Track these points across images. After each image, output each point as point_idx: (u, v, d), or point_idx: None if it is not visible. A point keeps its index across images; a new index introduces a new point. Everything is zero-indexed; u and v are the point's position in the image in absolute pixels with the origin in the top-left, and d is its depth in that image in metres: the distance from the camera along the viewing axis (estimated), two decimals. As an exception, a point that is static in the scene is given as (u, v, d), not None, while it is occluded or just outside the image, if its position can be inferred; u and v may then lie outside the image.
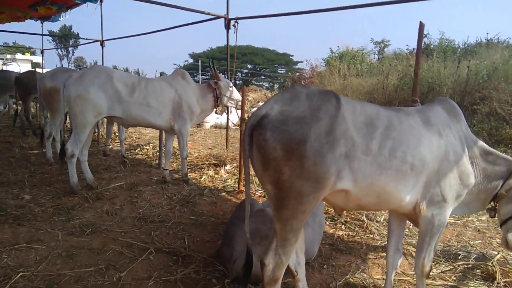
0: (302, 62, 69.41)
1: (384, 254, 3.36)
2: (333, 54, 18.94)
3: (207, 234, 3.68)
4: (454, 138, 2.24)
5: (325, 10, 6.06)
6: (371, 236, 3.75)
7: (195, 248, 3.33)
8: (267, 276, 2.02)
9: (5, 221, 3.74)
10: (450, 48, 15.63)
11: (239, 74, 63.05)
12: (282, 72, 69.46)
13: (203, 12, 6.79)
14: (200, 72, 60.66)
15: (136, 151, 7.46)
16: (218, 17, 6.91)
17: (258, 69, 65.59)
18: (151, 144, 7.75)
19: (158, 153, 7.13)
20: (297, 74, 20.28)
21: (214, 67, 5.45)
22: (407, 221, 2.59)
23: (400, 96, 10.54)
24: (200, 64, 61.37)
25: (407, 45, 16.15)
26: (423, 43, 17.27)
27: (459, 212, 2.47)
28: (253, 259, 2.07)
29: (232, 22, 6.83)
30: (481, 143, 2.42)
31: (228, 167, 6.04)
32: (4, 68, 21.09)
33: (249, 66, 66.58)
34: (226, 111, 6.55)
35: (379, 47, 21.62)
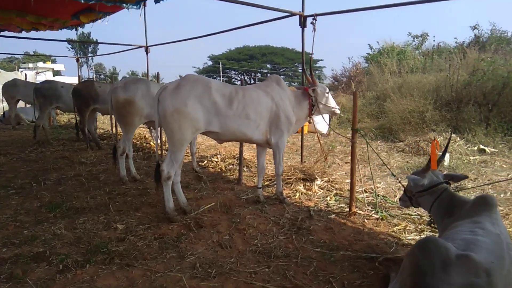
0: (322, 60, 68.73)
1: None
2: (373, 51, 18.14)
3: (352, 275, 3.05)
4: None
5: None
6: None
7: (354, 296, 2.72)
8: None
9: (111, 262, 3.21)
10: (504, 40, 14.66)
11: (259, 74, 62.73)
12: (301, 70, 68.73)
13: (278, 10, 6.19)
14: (221, 74, 60.61)
15: (204, 163, 6.92)
16: (292, 14, 6.29)
17: (278, 68, 65.23)
18: (219, 156, 7.19)
19: (232, 166, 6.60)
20: (336, 71, 19.38)
21: (311, 71, 4.83)
22: None
23: (471, 93, 9.72)
24: (221, 66, 61.35)
25: (455, 38, 15.18)
26: (472, 36, 16.15)
27: None
28: None
29: (309, 19, 6.20)
30: None
31: (319, 182, 5.42)
32: (37, 78, 21.01)
33: (268, 66, 66.26)
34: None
35: (418, 41, 20.59)
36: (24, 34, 11.87)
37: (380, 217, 4.26)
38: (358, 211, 4.38)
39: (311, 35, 6.28)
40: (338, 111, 5.06)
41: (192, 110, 3.91)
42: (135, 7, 9.26)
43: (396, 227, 4.03)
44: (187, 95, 3.90)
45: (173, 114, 3.87)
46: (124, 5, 8.53)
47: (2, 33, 11.12)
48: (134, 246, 3.49)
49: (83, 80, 9.25)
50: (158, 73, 7.18)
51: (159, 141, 7.19)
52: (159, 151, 7.64)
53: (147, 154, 7.73)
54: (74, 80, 21.60)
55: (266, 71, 64.43)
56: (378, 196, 4.85)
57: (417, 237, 3.80)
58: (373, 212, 4.42)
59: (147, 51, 11.24)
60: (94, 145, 8.34)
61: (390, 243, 3.67)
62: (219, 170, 6.48)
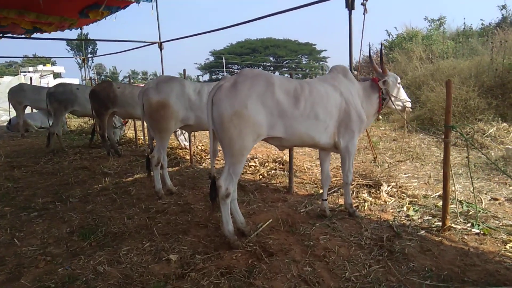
0: (325, 50, 67.60)
1: None
2: (392, 37, 17.29)
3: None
4: None
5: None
6: None
7: None
8: None
9: (176, 311, 2.51)
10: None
11: (261, 68, 61.90)
12: (305, 62, 67.88)
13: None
14: (224, 69, 59.76)
15: (241, 168, 6.18)
16: (340, -4, 5.52)
17: (281, 61, 64.36)
18: (256, 160, 6.47)
19: (274, 172, 5.89)
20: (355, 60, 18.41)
21: (381, 58, 4.10)
22: None
23: (516, 77, 8.94)
24: (224, 61, 60.52)
25: (481, 19, 14.30)
26: (499, 17, 15.23)
27: None
28: None
29: (359, 0, 5.43)
30: None
31: (386, 187, 4.69)
32: (41, 81, 20.28)
33: (271, 59, 65.42)
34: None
35: (435, 25, 19.67)
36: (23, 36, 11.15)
37: (481, 232, 3.53)
38: (453, 225, 3.65)
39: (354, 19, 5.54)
40: (410, 104, 4.33)
41: (254, 112, 3.19)
42: (148, 0, 8.49)
43: (508, 244, 3.31)
44: (247, 95, 3.18)
45: (231, 119, 3.14)
46: (136, -3, 7.80)
47: (5, 35, 10.43)
48: (199, 287, 2.79)
49: (100, 81, 8.55)
50: (184, 70, 6.45)
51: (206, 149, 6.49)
52: (192, 158, 6.94)
53: (174, 161, 7.02)
54: (75, 82, 20.86)
55: (269, 64, 63.65)
56: (477, 205, 4.04)
57: (540, 257, 3.08)
58: (468, 225, 3.69)
59: (161, 48, 10.51)
60: (113, 152, 7.64)
61: (512, 267, 2.95)
62: (261, 176, 5.76)
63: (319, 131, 3.58)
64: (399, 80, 4.19)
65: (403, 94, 4.25)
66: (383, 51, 4.61)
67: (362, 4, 5.37)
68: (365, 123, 3.98)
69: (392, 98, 4.12)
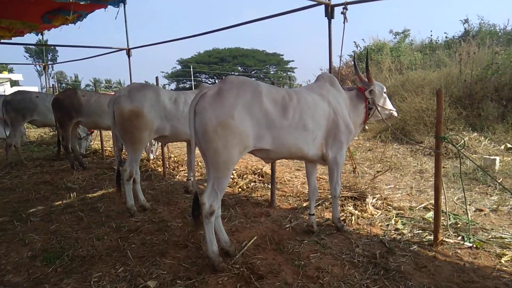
0: (293, 61, 68.45)
1: None
2: (359, 49, 17.62)
3: None
4: None
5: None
6: None
7: None
8: None
9: None
10: (495, 33, 14.46)
11: (229, 77, 61.97)
12: (273, 72, 68.50)
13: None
14: (192, 78, 59.16)
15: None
16: (319, 3, 5.41)
17: (249, 71, 64.64)
18: (234, 172, 6.18)
19: (254, 184, 5.64)
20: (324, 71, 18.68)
21: (367, 67, 3.97)
22: None
23: (484, 88, 9.23)
24: (191, 70, 59.87)
25: (445, 32, 14.86)
26: (461, 30, 15.84)
27: None
28: None
29: (338, 9, 5.35)
30: None
31: (371, 200, 4.55)
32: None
33: (239, 68, 65.58)
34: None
35: (399, 37, 20.32)
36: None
37: (474, 245, 3.43)
38: (445, 239, 3.53)
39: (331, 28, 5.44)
40: (396, 113, 4.24)
41: (240, 122, 2.94)
42: (115, 5, 8.06)
43: (502, 258, 3.21)
44: (233, 104, 2.93)
45: (216, 130, 2.88)
46: (104, 2, 7.38)
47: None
48: (183, 319, 2.47)
49: (65, 89, 8.02)
50: (157, 78, 6.10)
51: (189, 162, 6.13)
52: (165, 170, 6.56)
53: (145, 173, 6.61)
54: (35, 91, 19.79)
55: (237, 73, 63.62)
56: (468, 218, 3.93)
57: (535, 271, 3.00)
58: (459, 238, 3.59)
59: (129, 54, 10.07)
60: (78, 165, 7.12)
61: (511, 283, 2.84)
62: (240, 189, 5.49)
63: (307, 142, 3.38)
64: (385, 89, 4.09)
65: (389, 104, 4.15)
66: (355, 61, 4.51)
67: (342, 13, 5.29)
68: (353, 134, 3.82)
69: (379, 108, 4.00)
